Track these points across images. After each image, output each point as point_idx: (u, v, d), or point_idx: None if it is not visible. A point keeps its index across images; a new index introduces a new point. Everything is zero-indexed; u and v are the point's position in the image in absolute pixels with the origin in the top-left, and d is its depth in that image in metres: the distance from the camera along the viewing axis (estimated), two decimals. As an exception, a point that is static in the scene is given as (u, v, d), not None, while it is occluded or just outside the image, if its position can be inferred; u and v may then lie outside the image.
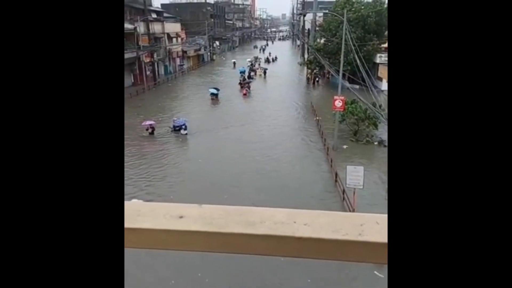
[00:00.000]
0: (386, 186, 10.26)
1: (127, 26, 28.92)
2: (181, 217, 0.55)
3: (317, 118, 19.42)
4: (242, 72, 33.50)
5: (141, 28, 29.75)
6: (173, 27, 38.54)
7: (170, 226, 0.54)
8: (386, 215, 0.53)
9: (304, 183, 11.98)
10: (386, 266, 0.48)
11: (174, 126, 17.99)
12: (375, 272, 7.26)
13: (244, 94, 26.15)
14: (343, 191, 10.79)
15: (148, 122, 17.76)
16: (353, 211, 9.73)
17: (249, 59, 42.36)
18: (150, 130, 17.52)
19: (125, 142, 15.33)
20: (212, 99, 24.39)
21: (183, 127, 17.73)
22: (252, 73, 34.59)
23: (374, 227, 0.52)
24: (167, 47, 35.89)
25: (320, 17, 34.23)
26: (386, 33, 26.77)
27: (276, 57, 50.26)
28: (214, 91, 24.69)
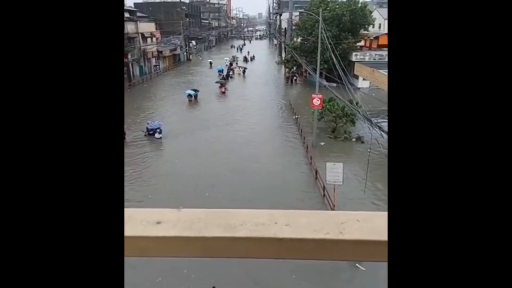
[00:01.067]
0: (365, 182, 10.47)
1: (99, 25, 28.02)
2: (158, 222, 0.53)
3: (296, 116, 19.60)
4: (220, 71, 33.96)
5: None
6: (147, 27, 37.81)
7: (147, 232, 0.52)
8: (365, 212, 0.54)
9: (284, 180, 12.03)
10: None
11: (148, 130, 17.15)
12: (357, 264, 7.40)
13: (223, 92, 26.45)
14: (323, 188, 10.93)
15: None
16: (334, 207, 9.86)
17: (226, 58, 42.45)
18: None
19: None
20: (189, 100, 23.76)
21: (158, 130, 16.93)
22: (230, 72, 34.94)
23: (354, 225, 0.52)
24: (142, 47, 35.18)
25: (296, 16, 34.62)
26: (361, 31, 27.47)
27: (254, 56, 50.67)
28: (192, 92, 24.03)
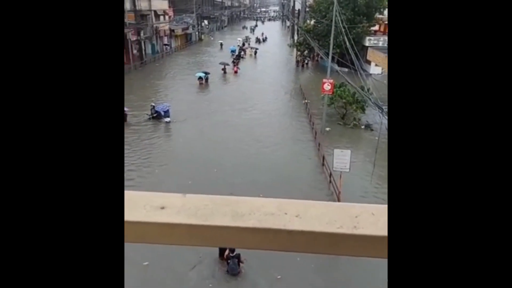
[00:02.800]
0: (371, 169, 10.49)
1: (112, 2, 27.72)
2: (162, 207, 0.51)
3: (306, 101, 19.43)
4: (233, 51, 34.60)
5: (127, 4, 28.68)
6: (160, 4, 37.23)
7: (150, 218, 0.50)
8: (381, 206, 0.51)
9: (291, 166, 12.11)
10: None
11: (154, 112, 15.86)
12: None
13: (235, 72, 27.07)
14: (330, 174, 10.98)
15: None
16: (339, 193, 9.94)
17: (239, 39, 42.15)
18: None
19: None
20: (200, 83, 23.08)
21: (165, 113, 15.67)
22: (242, 53, 35.40)
23: (369, 218, 0.49)
24: (154, 25, 34.82)
25: (310, -3, 33.62)
26: (376, 15, 26.66)
27: (266, 38, 50.25)
28: (202, 74, 23.38)
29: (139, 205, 0.52)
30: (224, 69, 26.56)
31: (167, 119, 15.70)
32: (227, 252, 7.23)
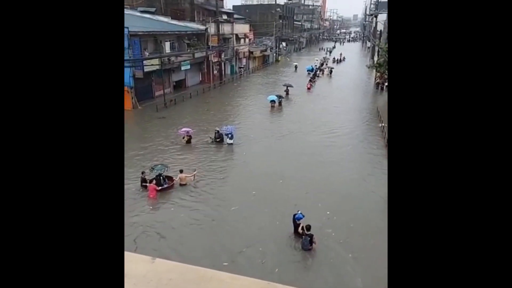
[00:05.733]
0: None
1: (199, 27, 30.43)
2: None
3: (382, 124, 18.29)
4: (310, 70, 36.88)
5: (211, 29, 31.08)
6: (242, 28, 39.58)
7: None
8: None
9: (358, 197, 11.34)
10: None
11: (218, 136, 15.47)
12: None
13: (308, 88, 28.98)
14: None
15: (184, 129, 15.66)
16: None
17: (317, 59, 42.98)
18: (186, 139, 15.40)
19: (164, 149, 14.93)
20: (272, 106, 22.52)
21: (229, 135, 15.36)
22: (318, 72, 37.26)
23: None
24: (235, 47, 36.98)
25: (394, 17, 32.16)
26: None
27: (344, 58, 50.20)
28: (275, 98, 22.73)
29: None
30: (286, 91, 26.19)
31: (230, 141, 15.46)
32: (300, 230, 8.54)
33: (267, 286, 0.45)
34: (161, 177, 11.44)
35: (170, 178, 11.70)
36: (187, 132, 15.51)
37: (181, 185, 11.59)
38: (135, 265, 0.48)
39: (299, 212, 8.94)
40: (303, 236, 8.47)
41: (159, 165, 11.99)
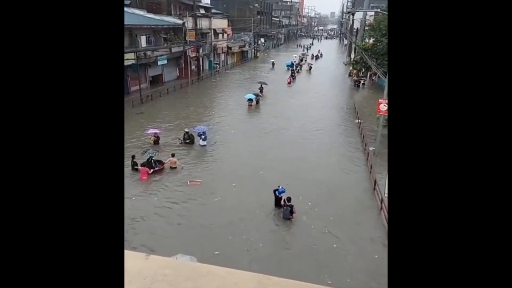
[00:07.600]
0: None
1: (176, 21, 29.77)
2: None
3: (359, 120, 18.62)
4: (289, 66, 36.91)
5: (189, 23, 30.47)
6: (220, 23, 39.09)
7: None
8: None
9: (338, 192, 11.48)
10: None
11: (187, 138, 14.53)
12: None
13: (289, 83, 29.31)
14: (381, 201, 10.17)
15: (151, 131, 14.98)
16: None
17: (295, 55, 42.95)
18: (153, 139, 14.70)
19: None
20: (249, 105, 21.75)
21: (202, 136, 14.21)
22: (297, 68, 37.50)
23: None
24: (213, 43, 36.48)
25: (371, 16, 32.83)
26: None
27: (322, 54, 50.87)
28: (252, 96, 21.96)
29: None
30: (261, 88, 25.13)
31: (203, 143, 14.18)
32: (282, 202, 9.73)
33: (262, 279, 0.45)
34: (152, 161, 12.36)
35: (160, 162, 12.60)
36: (155, 133, 14.88)
37: (171, 168, 12.51)
38: (130, 261, 0.48)
39: (281, 187, 10.04)
40: (285, 207, 9.63)
41: (150, 150, 12.97)
